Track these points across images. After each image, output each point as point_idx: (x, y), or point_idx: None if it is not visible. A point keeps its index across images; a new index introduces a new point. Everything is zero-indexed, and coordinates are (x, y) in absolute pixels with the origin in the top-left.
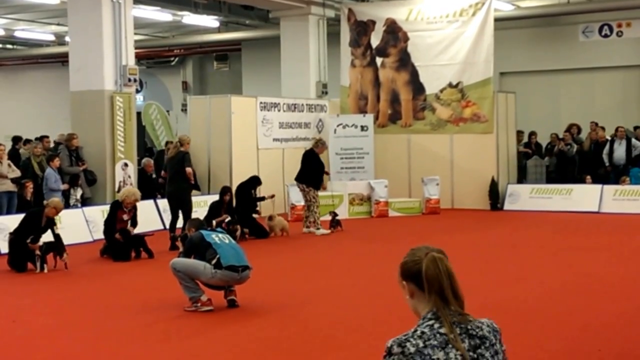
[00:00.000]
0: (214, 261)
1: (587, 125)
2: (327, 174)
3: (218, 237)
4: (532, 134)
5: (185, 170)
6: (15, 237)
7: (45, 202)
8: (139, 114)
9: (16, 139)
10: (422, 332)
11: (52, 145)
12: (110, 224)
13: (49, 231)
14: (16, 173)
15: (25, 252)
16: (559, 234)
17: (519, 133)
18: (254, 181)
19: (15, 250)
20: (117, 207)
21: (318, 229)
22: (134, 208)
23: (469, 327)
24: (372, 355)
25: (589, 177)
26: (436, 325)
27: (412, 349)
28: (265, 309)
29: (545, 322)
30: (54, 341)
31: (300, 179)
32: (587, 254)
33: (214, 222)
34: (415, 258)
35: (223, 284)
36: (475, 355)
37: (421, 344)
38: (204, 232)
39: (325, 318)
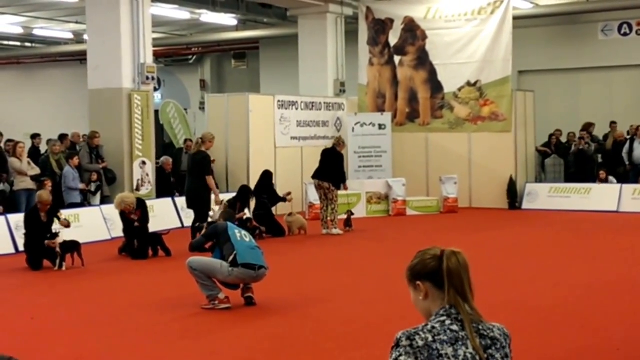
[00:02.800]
0: (230, 258)
1: (606, 124)
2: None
3: (240, 234)
4: (553, 134)
5: (203, 171)
6: (27, 237)
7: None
8: (157, 112)
9: (34, 137)
10: (433, 327)
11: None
12: (127, 226)
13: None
14: (35, 170)
15: (40, 250)
16: (577, 233)
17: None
18: (267, 176)
19: (29, 249)
20: (123, 213)
21: (335, 228)
22: (141, 206)
23: (480, 327)
24: (388, 355)
25: (602, 171)
26: (448, 322)
27: (421, 343)
28: (282, 307)
29: (563, 321)
30: (73, 338)
31: (324, 177)
32: (606, 254)
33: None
34: (429, 256)
35: (239, 282)
36: (486, 356)
37: (430, 338)
38: (230, 224)
39: (342, 316)
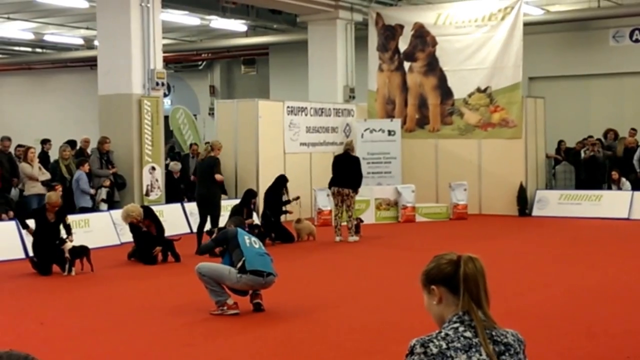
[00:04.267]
0: (239, 264)
1: (622, 131)
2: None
3: (249, 240)
4: (562, 141)
5: (213, 173)
6: (35, 241)
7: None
8: (166, 117)
9: (44, 142)
10: (446, 334)
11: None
12: (136, 233)
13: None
14: (46, 175)
15: (48, 253)
16: (588, 240)
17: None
18: (282, 180)
19: (37, 252)
20: (132, 224)
21: (352, 235)
22: (149, 216)
23: (494, 333)
24: None
25: (614, 172)
26: (461, 329)
27: (435, 350)
28: (291, 313)
29: (573, 328)
30: (81, 343)
31: (344, 183)
32: (617, 261)
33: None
34: (445, 261)
35: (248, 289)
36: None
37: (444, 346)
38: (240, 230)
39: (351, 323)
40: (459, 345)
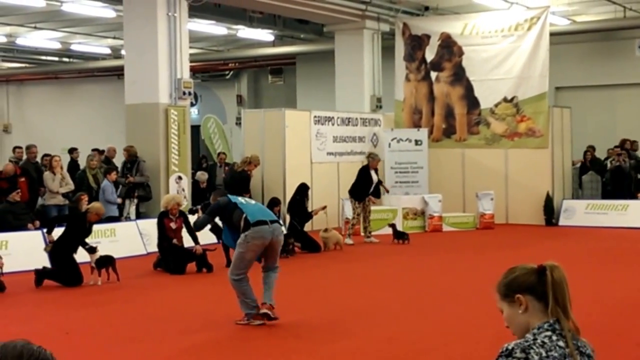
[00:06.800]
0: (242, 223)
1: None
2: (386, 190)
3: (245, 200)
4: (587, 150)
5: (242, 189)
6: (59, 246)
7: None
8: (193, 127)
9: (71, 151)
10: (543, 342)
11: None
12: (161, 235)
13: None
14: (68, 187)
15: (68, 265)
16: (615, 250)
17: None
18: (303, 189)
19: (59, 263)
20: (163, 216)
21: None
22: (183, 216)
23: (579, 344)
24: None
25: None
26: (554, 338)
27: (536, 357)
28: (319, 324)
29: (602, 337)
30: (107, 353)
31: (349, 192)
32: None
33: None
34: (526, 271)
35: (261, 248)
36: None
37: (544, 354)
38: (230, 196)
39: (379, 333)
40: (556, 354)
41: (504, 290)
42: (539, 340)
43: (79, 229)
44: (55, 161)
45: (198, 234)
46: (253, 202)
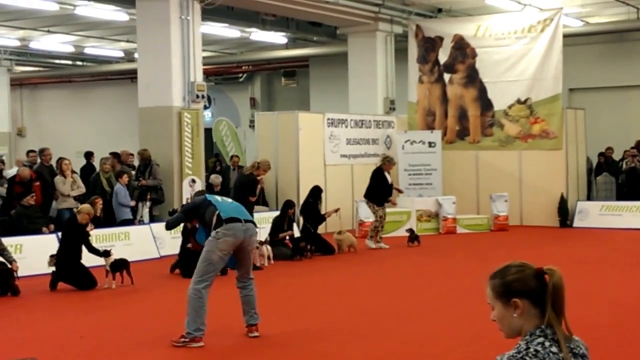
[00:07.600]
0: (214, 220)
1: None
2: (400, 191)
3: (220, 198)
4: (604, 152)
5: (249, 193)
6: (62, 256)
7: (76, 209)
8: (206, 130)
9: (88, 155)
10: (536, 351)
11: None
12: (185, 238)
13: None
14: (80, 190)
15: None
16: (630, 251)
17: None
18: (316, 192)
19: (68, 272)
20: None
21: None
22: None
23: (572, 345)
24: None
25: None
26: (547, 344)
27: None
28: (333, 327)
29: (618, 338)
30: (122, 357)
31: (366, 195)
32: None
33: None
34: (526, 274)
35: (232, 247)
36: None
37: None
38: (207, 195)
39: (394, 336)
40: None
41: (500, 290)
42: (531, 349)
43: (73, 234)
44: (65, 164)
45: None
46: (230, 201)
